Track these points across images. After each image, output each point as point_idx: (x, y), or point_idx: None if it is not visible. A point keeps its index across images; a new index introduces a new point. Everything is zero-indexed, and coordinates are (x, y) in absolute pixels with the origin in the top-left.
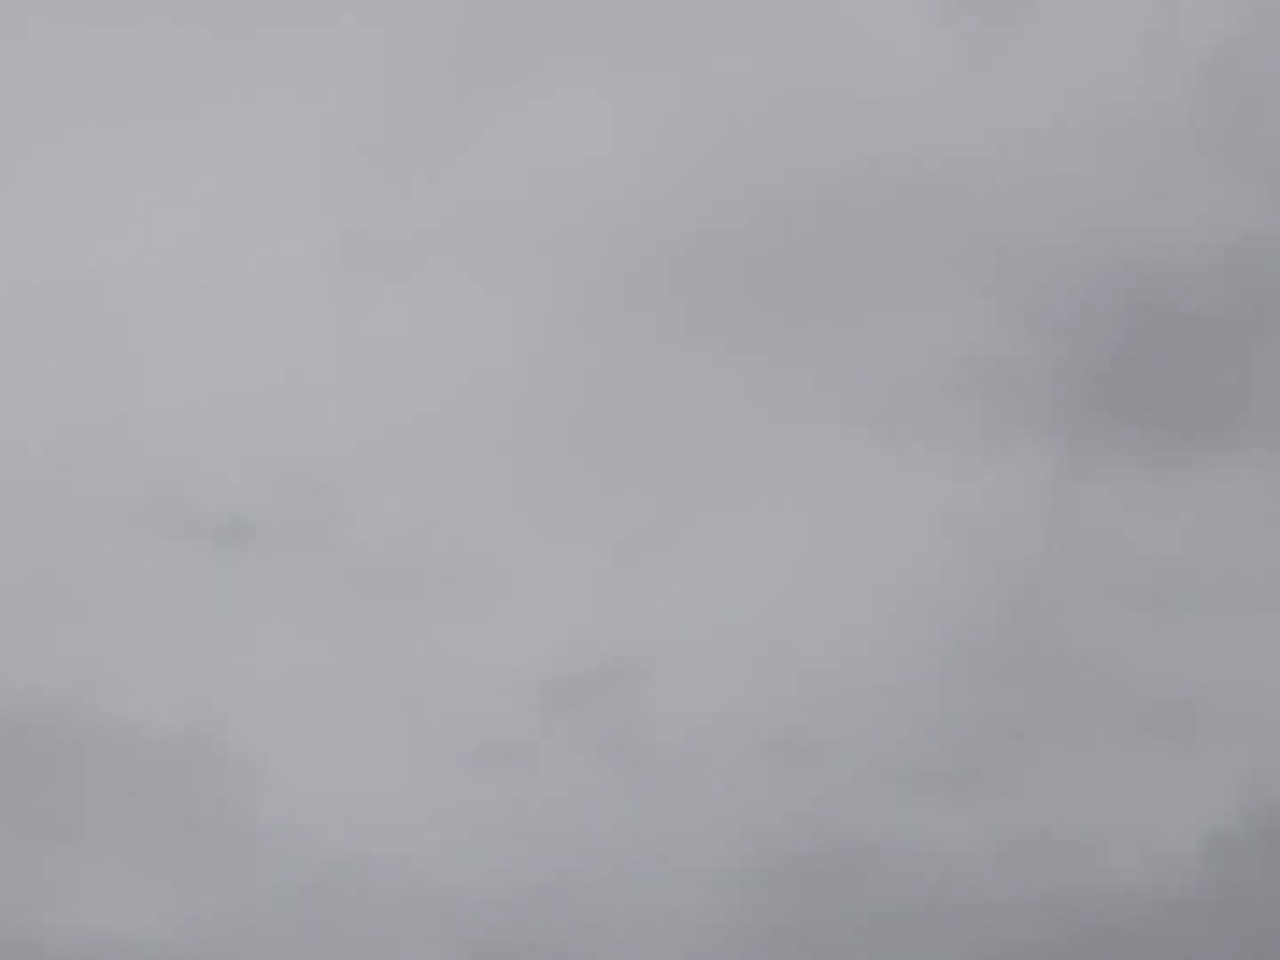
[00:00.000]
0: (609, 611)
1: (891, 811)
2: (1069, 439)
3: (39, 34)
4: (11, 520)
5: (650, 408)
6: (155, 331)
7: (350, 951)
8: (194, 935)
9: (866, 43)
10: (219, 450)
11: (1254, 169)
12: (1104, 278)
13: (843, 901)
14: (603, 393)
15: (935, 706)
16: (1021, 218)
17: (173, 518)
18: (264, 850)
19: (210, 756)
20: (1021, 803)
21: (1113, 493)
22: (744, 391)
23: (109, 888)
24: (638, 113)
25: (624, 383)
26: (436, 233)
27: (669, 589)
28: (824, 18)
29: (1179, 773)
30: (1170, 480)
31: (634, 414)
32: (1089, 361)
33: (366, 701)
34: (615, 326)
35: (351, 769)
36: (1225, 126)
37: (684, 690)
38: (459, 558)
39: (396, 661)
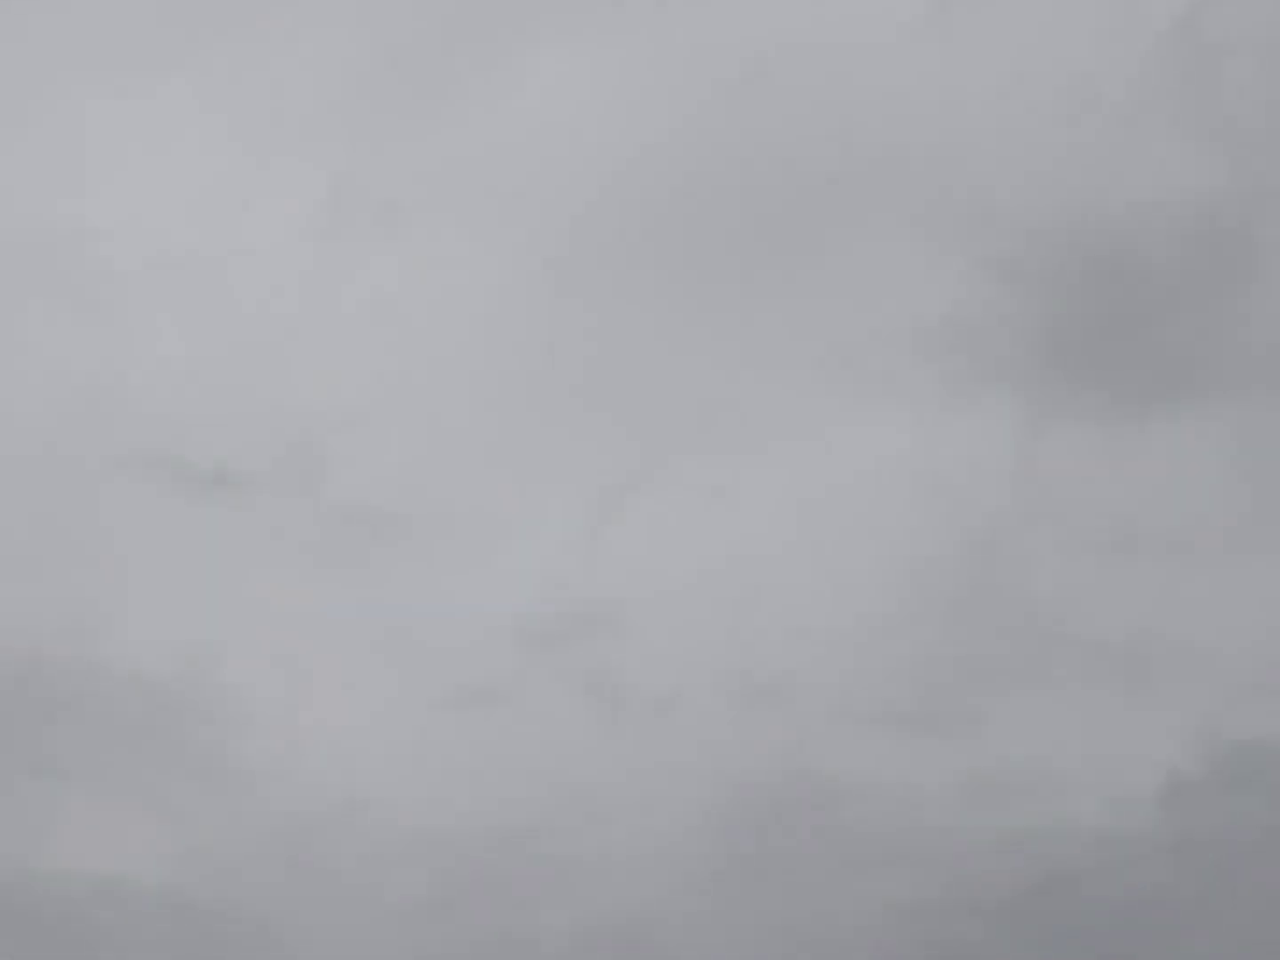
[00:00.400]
0: (587, 557)
1: (861, 751)
2: (1031, 394)
3: None
4: (6, 468)
5: (627, 361)
6: (147, 286)
7: (337, 887)
8: (183, 871)
9: (838, 7)
10: (210, 401)
11: (1213, 131)
12: (1067, 237)
13: (815, 837)
14: (580, 346)
15: (903, 650)
16: (988, 178)
17: (164, 466)
18: (252, 789)
19: (200, 698)
20: (985, 743)
21: (1073, 445)
22: (718, 346)
23: (100, 825)
24: (615, 73)
25: (601, 337)
26: (421, 190)
27: (645, 536)
28: None
29: (1137, 715)
30: (1128, 434)
31: (611, 367)
32: (1052, 319)
33: (351, 645)
34: (593, 282)
35: (337, 710)
36: (1185, 90)
37: (659, 634)
38: (442, 505)
39: (380, 606)
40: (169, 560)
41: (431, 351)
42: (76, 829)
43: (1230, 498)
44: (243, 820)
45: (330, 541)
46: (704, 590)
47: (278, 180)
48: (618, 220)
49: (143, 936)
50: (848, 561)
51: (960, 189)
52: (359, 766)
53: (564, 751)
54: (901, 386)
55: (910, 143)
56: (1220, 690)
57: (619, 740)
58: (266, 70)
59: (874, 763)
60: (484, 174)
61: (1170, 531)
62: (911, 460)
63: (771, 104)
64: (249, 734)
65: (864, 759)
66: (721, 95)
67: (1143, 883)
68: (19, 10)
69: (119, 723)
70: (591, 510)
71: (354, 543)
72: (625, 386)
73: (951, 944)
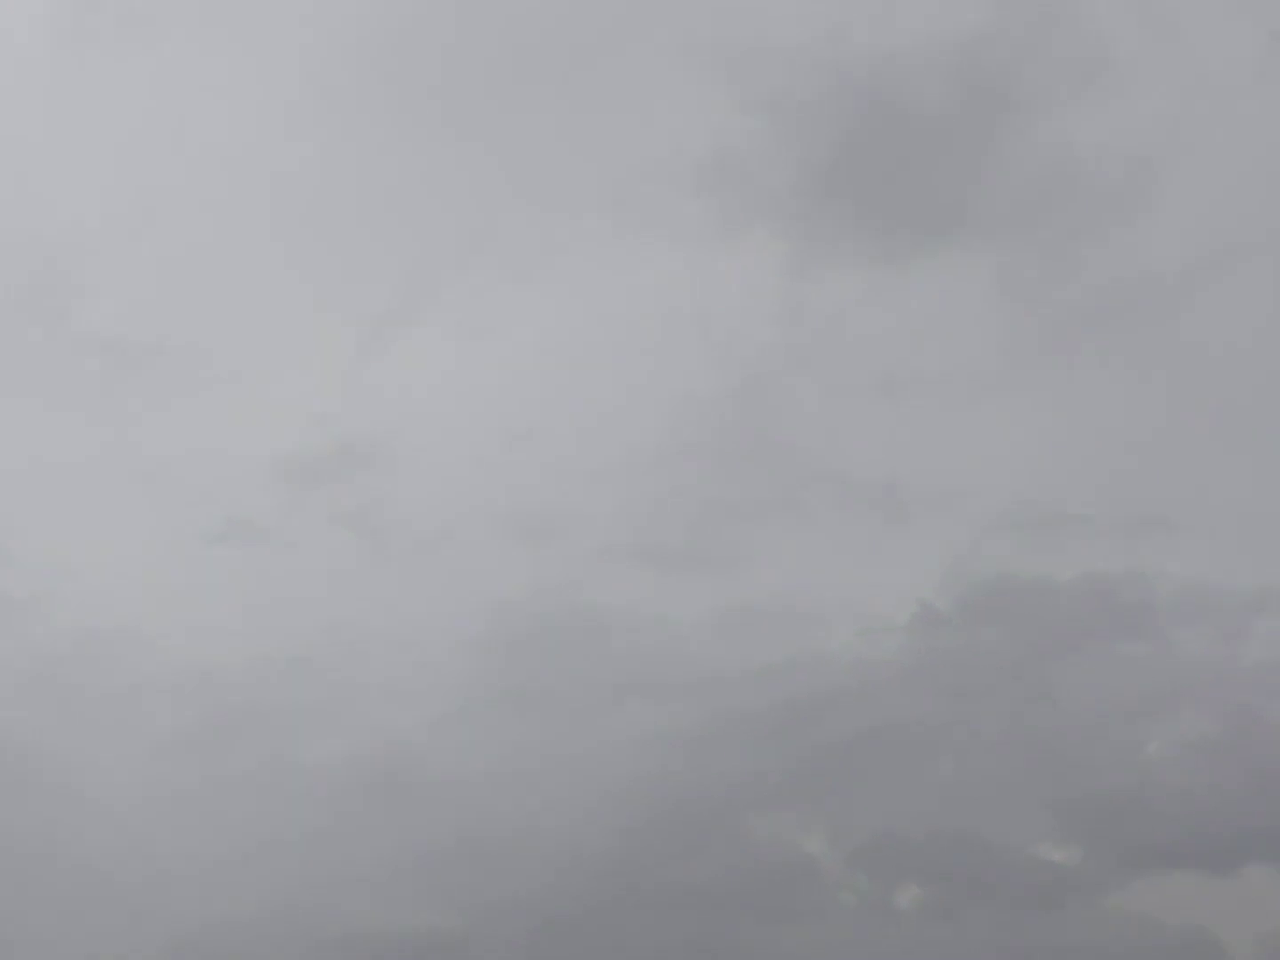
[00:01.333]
0: (351, 392)
1: (625, 585)
2: (799, 233)
3: None
4: None
5: (391, 192)
6: None
7: (103, 719)
8: None
9: None
10: None
11: None
12: (837, 78)
13: (578, 669)
14: (345, 175)
15: (667, 486)
16: (759, 13)
17: None
18: (12, 622)
19: None
20: (746, 577)
21: (839, 287)
22: (482, 178)
23: None
24: None
25: (366, 166)
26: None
27: (410, 370)
28: None
29: (891, 550)
30: (893, 276)
31: (375, 197)
32: (820, 159)
33: (110, 478)
34: (356, 109)
35: (97, 544)
36: None
37: (425, 470)
38: (201, 336)
39: (139, 439)
40: None
41: (189, 174)
42: None
43: (988, 341)
44: (4, 653)
45: (85, 373)
46: (471, 426)
47: None
48: (378, 48)
49: None
50: (617, 399)
51: (733, 24)
52: (123, 600)
53: (330, 586)
54: (670, 221)
55: None
56: (970, 527)
57: (385, 575)
58: None
59: (637, 596)
60: None
61: (930, 373)
62: (678, 296)
63: None
64: (7, 567)
65: (628, 593)
66: None
67: (894, 706)
68: None
69: None
70: (354, 343)
71: (110, 374)
72: (391, 218)
73: (713, 768)
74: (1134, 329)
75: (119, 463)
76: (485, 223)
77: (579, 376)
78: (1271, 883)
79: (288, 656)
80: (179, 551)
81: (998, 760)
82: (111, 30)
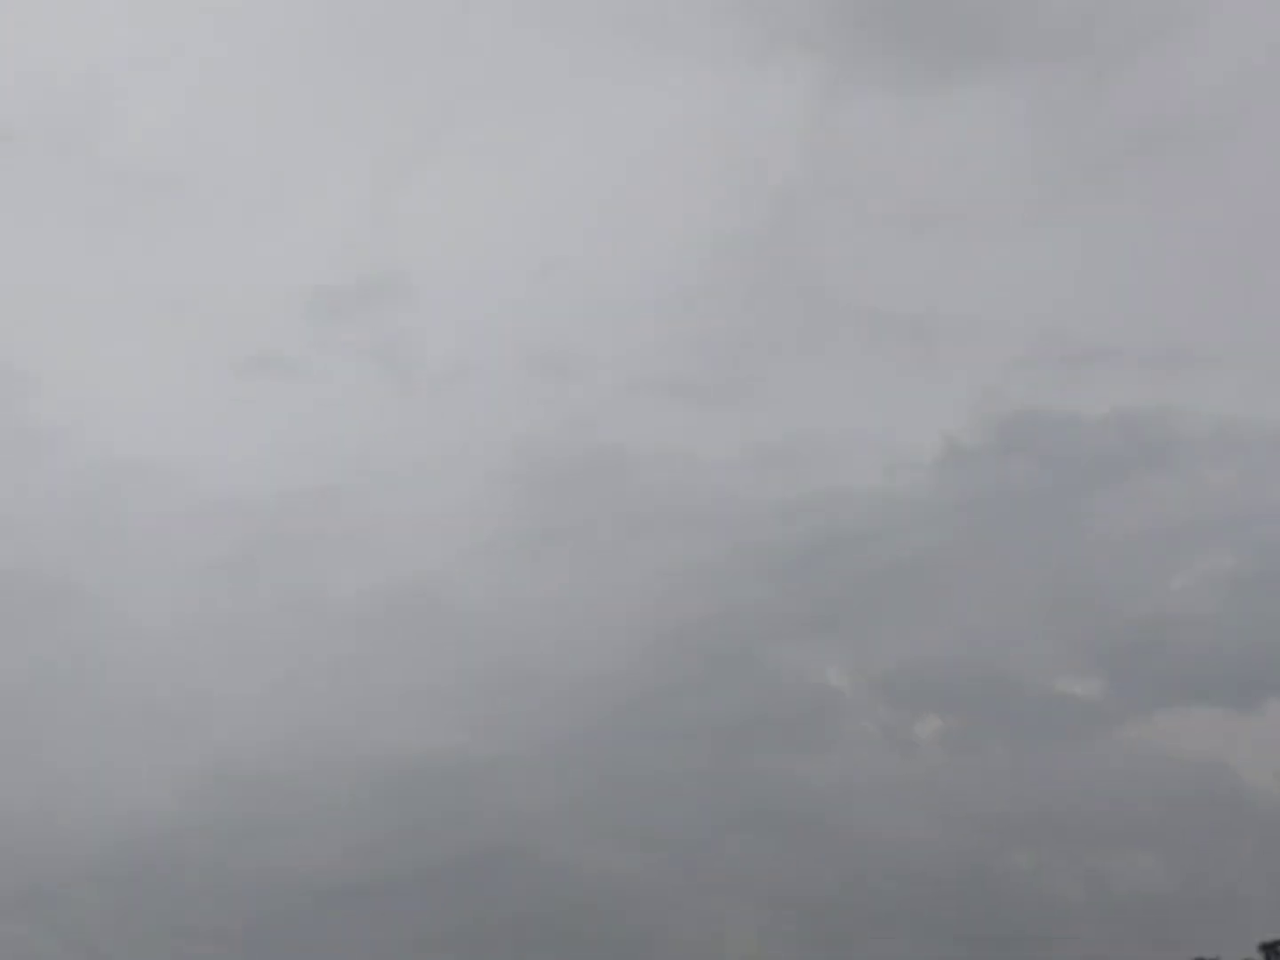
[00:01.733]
0: (377, 225)
1: (651, 421)
2: (829, 58)
3: None
4: None
5: (412, 23)
6: None
7: (134, 550)
8: None
9: None
10: None
11: None
12: None
13: (603, 505)
14: (368, 7)
15: (695, 322)
16: None
17: None
18: (39, 453)
19: None
20: (772, 412)
21: (869, 116)
22: (508, 5)
23: None
24: None
25: None
26: None
27: (436, 203)
28: None
29: (919, 385)
30: (925, 104)
31: (397, 29)
32: None
33: (140, 310)
34: None
35: (127, 376)
36: None
37: (453, 303)
38: (227, 169)
39: (168, 271)
40: None
41: (210, 8)
42: None
43: (1021, 171)
44: (36, 483)
45: (113, 203)
46: (496, 259)
47: None
48: None
49: None
50: (640, 231)
51: None
52: (153, 431)
53: (358, 419)
54: (697, 47)
55: None
56: (999, 361)
57: (412, 408)
58: None
59: (664, 433)
60: None
61: (961, 205)
62: (706, 126)
63: None
64: (38, 397)
65: (653, 428)
66: None
67: (919, 541)
68: None
69: None
70: (379, 177)
71: (138, 205)
72: (411, 48)
73: (736, 601)
74: (1171, 160)
75: (149, 294)
76: (511, 47)
77: (604, 209)
78: None
79: (317, 488)
80: (208, 383)
81: (1022, 594)
82: None
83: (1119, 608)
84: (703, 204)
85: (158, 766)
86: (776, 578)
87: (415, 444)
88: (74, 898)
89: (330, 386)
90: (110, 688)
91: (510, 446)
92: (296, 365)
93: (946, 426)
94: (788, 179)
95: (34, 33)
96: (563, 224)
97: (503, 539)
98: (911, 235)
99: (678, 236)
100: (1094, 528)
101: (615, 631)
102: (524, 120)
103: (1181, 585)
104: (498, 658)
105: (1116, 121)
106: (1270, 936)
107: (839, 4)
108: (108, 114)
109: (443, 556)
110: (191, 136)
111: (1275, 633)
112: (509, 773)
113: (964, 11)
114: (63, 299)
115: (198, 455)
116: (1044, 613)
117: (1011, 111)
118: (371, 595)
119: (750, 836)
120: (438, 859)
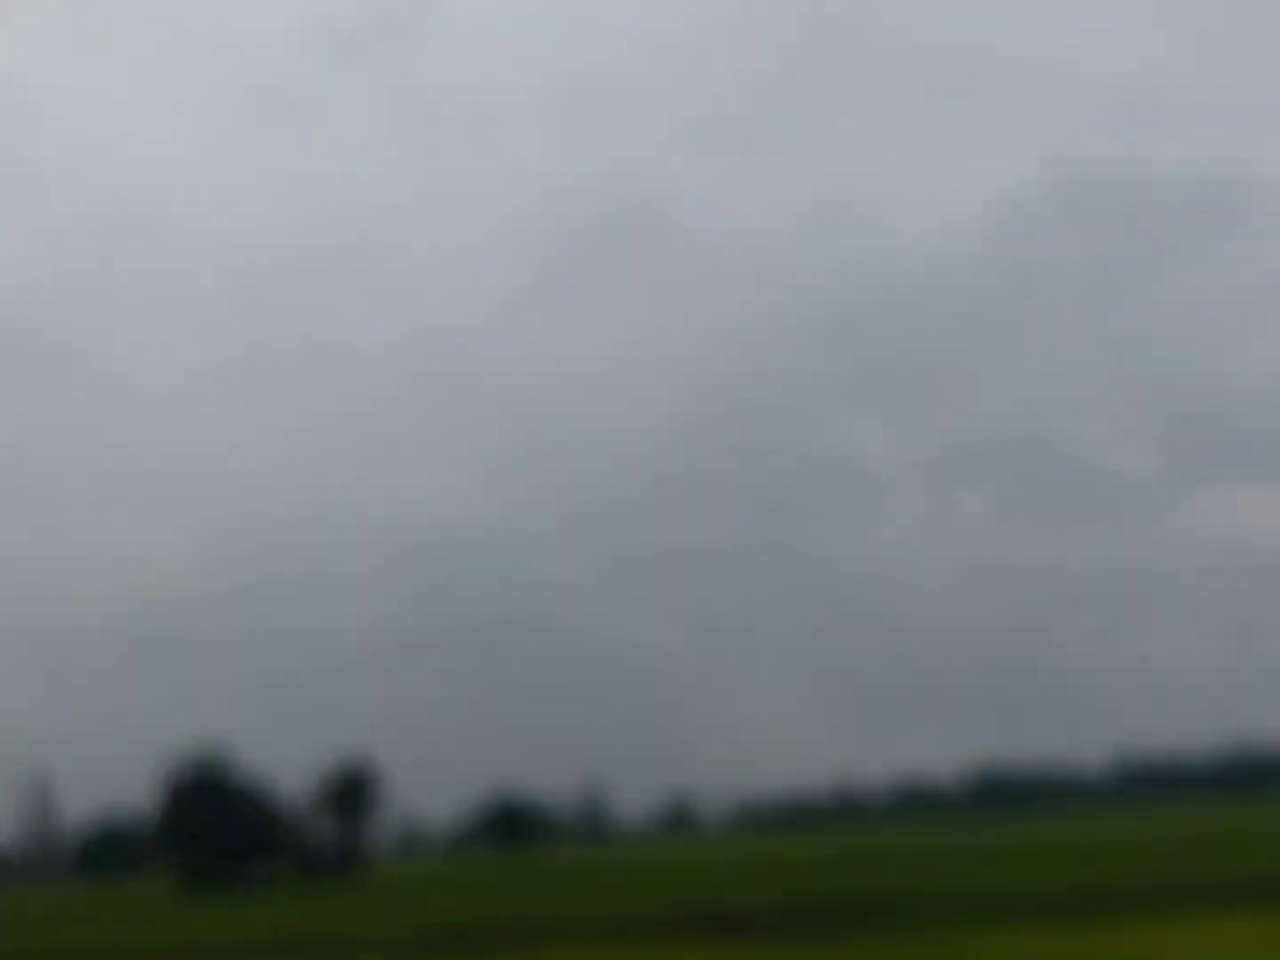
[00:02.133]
0: None
1: (696, 170)
2: None
3: None
4: None
5: None
6: None
7: (133, 303)
8: None
9: None
10: None
11: None
12: None
13: (644, 258)
14: None
15: (739, 60)
16: None
17: None
18: (42, 197)
19: None
20: (822, 164)
21: None
22: None
23: None
24: None
25: None
26: None
27: None
28: None
29: (977, 136)
30: None
31: None
32: None
33: (145, 44)
34: None
35: (131, 114)
36: None
37: (479, 47)
38: None
39: (176, 5)
40: None
41: None
42: None
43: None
44: (36, 230)
45: None
46: None
47: None
48: None
49: None
50: None
51: None
52: (160, 173)
53: (374, 164)
54: None
55: None
56: (1064, 113)
57: (440, 158)
58: None
59: (709, 182)
60: None
61: None
62: None
63: None
64: (34, 136)
65: (699, 178)
66: None
67: (971, 308)
68: None
69: None
70: None
71: None
72: None
73: (776, 367)
74: None
75: (153, 26)
76: None
77: None
78: None
79: (335, 239)
80: (211, 126)
81: (1076, 364)
82: None
83: (1176, 379)
84: None
85: (174, 528)
86: (819, 343)
87: (441, 196)
88: (89, 659)
89: (343, 128)
90: (111, 455)
91: (539, 194)
92: (304, 107)
93: (1005, 181)
94: None
95: None
96: None
97: (533, 294)
98: None
99: None
100: (1154, 294)
101: (647, 396)
102: None
103: (1241, 360)
104: (527, 424)
105: None
106: None
107: None
108: None
109: (469, 312)
110: None
111: None
112: (532, 541)
113: None
114: (72, 32)
115: (207, 198)
116: (1098, 382)
117: None
118: (392, 350)
119: (788, 613)
120: (462, 627)
